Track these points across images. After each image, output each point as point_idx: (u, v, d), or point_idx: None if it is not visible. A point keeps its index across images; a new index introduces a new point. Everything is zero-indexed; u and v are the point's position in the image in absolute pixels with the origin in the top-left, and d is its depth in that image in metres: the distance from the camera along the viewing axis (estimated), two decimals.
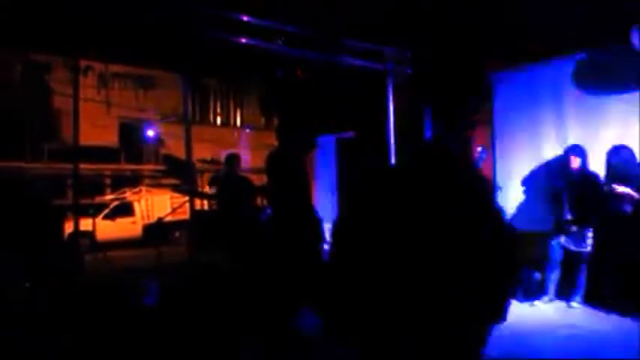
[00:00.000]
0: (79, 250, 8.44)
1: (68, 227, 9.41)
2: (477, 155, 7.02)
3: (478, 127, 7.12)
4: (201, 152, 14.31)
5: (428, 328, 1.47)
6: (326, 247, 6.74)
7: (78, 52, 6.32)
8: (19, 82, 16.00)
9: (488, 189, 5.43)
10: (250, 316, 4.52)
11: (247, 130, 22.22)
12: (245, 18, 5.18)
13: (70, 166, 12.14)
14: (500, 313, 1.63)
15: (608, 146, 5.40)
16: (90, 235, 11.26)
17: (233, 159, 6.27)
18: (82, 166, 11.80)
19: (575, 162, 5.52)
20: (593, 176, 5.42)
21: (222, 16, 5.07)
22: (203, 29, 4.99)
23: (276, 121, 9.59)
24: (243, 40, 5.23)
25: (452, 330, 1.51)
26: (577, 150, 5.58)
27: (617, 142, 5.40)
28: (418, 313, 1.45)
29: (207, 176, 6.99)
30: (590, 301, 5.21)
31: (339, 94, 7.64)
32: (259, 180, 7.90)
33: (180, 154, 11.08)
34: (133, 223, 15.46)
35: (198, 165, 7.42)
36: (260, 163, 7.68)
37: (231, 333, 4.24)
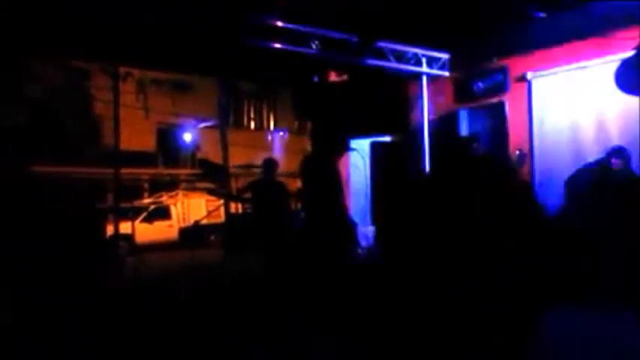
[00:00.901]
0: (119, 252, 8.67)
1: (109, 230, 9.73)
2: (515, 157, 6.89)
3: (517, 130, 6.98)
4: (236, 156, 14.52)
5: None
6: (359, 250, 6.74)
7: (117, 58, 6.51)
8: (61, 88, 16.54)
9: (525, 193, 5.34)
10: (281, 318, 4.55)
11: (281, 134, 22.39)
12: (279, 23, 5.24)
13: (110, 170, 12.52)
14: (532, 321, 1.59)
15: None
16: (129, 238, 11.54)
17: (271, 164, 6.27)
18: (121, 170, 12.13)
19: (618, 164, 5.34)
20: (636, 178, 5.24)
21: (257, 21, 5.14)
22: (238, 34, 5.06)
23: (309, 125, 9.63)
24: (278, 45, 5.28)
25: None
26: (620, 152, 5.41)
27: None
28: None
29: (242, 180, 7.06)
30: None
31: (374, 97, 7.62)
32: (291, 184, 7.95)
33: (216, 158, 11.30)
34: (170, 226, 15.77)
35: (234, 170, 7.51)
36: (293, 167, 7.69)
37: (261, 333, 4.27)
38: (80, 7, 5.04)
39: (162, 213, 16.03)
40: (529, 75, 6.84)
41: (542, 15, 5.70)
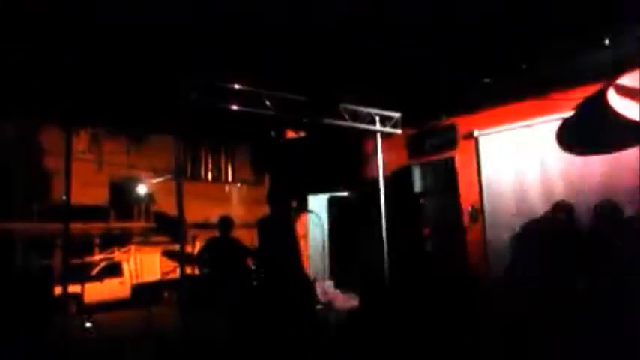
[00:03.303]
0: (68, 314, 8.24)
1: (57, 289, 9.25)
2: (467, 213, 7.13)
3: (467, 185, 7.25)
4: (193, 209, 14.30)
5: None
6: (319, 306, 6.71)
7: (70, 120, 6.45)
8: (11, 141, 16.06)
9: None
10: None
11: (238, 185, 22.36)
12: (236, 86, 5.36)
13: (59, 225, 12.02)
14: None
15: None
16: (78, 297, 11.03)
17: (226, 222, 6.30)
18: (71, 225, 11.63)
19: (562, 218, 5.62)
20: (582, 230, 5.50)
21: (215, 85, 5.24)
22: (196, 97, 5.14)
23: (266, 179, 9.72)
24: (234, 107, 5.39)
25: None
26: (563, 206, 5.71)
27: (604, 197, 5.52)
28: None
29: (200, 240, 6.98)
30: None
31: (330, 153, 7.80)
32: (248, 235, 7.91)
33: (172, 210, 11.05)
34: (122, 283, 15.21)
35: (191, 232, 7.42)
36: (250, 217, 7.71)
37: None
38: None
39: (114, 269, 15.47)
40: (476, 133, 7.19)
41: (487, 80, 6.08)
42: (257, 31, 4.64)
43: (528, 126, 6.63)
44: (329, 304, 6.87)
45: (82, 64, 5.06)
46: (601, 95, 5.82)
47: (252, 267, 5.78)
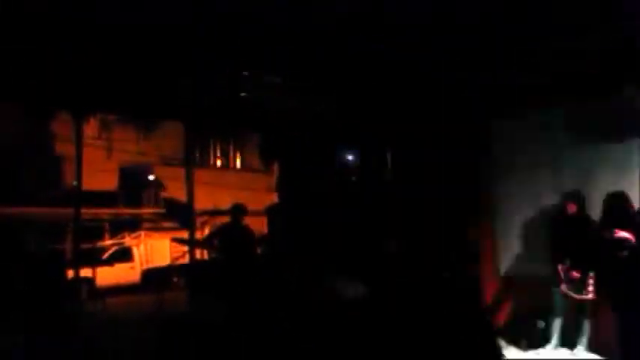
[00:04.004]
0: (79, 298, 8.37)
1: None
2: None
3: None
4: (202, 195, 14.37)
5: None
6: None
7: (79, 108, 6.47)
8: (20, 127, 16.16)
9: None
10: None
11: (247, 173, 22.42)
12: (245, 73, 5.35)
13: (69, 211, 12.17)
14: None
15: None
16: (89, 281, 11.20)
17: (238, 209, 6.31)
18: (82, 210, 11.77)
19: (573, 207, 5.56)
20: (591, 222, 5.45)
21: (223, 70, 5.23)
22: (206, 84, 5.13)
23: (275, 167, 9.73)
24: (243, 94, 5.38)
25: None
26: (574, 195, 5.63)
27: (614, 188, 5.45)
28: None
29: (208, 224, 7.04)
30: (593, 348, 5.16)
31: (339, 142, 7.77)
32: (256, 223, 7.93)
33: (181, 196, 11.13)
34: (132, 268, 15.39)
35: (200, 218, 7.47)
36: (258, 204, 7.72)
37: None
38: None
39: (124, 254, 15.64)
40: None
41: None
42: (257, 31, 4.59)
43: (539, 111, 6.54)
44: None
45: (83, 63, 5.05)
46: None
47: (261, 254, 5.82)
